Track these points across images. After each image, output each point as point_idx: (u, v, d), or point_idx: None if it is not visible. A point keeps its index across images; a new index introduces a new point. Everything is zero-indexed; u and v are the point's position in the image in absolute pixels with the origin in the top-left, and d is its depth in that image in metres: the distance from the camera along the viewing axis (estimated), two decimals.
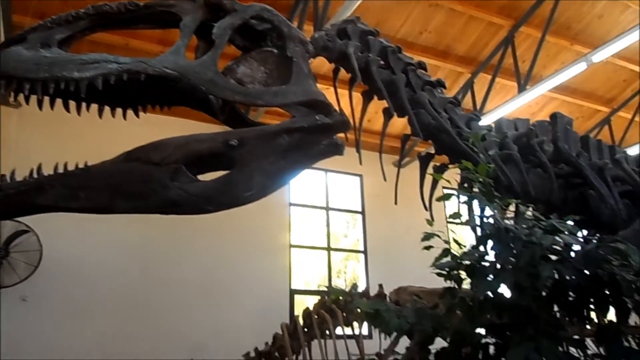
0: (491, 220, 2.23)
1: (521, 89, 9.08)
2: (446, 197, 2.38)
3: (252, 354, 5.83)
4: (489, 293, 2.26)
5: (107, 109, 2.61)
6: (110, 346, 7.68)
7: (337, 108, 3.07)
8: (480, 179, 2.23)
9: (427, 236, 2.70)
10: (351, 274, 11.03)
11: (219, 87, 2.70)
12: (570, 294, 2.15)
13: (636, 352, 1.94)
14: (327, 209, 10.41)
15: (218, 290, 8.90)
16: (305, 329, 5.95)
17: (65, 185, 2.21)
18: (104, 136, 5.86)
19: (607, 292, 1.99)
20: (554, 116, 4.63)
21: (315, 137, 3.06)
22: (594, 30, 9.36)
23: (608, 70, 10.41)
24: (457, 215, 2.53)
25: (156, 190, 2.43)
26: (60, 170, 2.21)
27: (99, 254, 8.22)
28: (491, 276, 2.17)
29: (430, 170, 3.67)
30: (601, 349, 2.06)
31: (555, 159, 4.25)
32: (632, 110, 10.92)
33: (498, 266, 2.20)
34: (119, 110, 2.69)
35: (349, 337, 5.89)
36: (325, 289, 8.04)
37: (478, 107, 9.78)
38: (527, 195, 3.98)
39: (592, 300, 2.07)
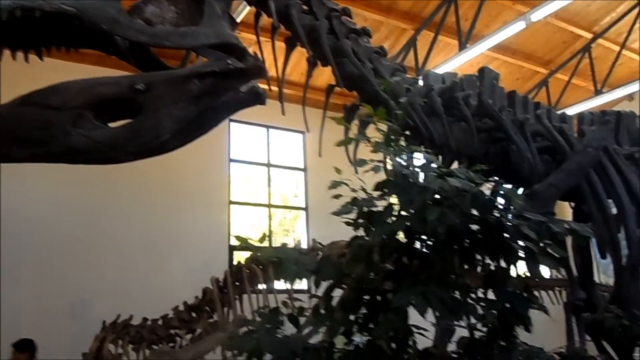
0: (390, 166, 2.18)
1: (462, 47, 9.09)
2: (346, 141, 2.31)
3: (182, 308, 5.77)
4: (388, 239, 2.25)
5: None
6: (45, 304, 7.47)
7: (260, 56, 2.94)
8: (381, 124, 2.17)
9: (334, 184, 2.66)
10: (295, 231, 11.07)
11: (121, 26, 2.53)
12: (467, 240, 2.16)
13: (520, 296, 1.96)
14: (269, 165, 10.30)
15: (156, 246, 8.75)
16: (237, 283, 5.93)
17: None
18: (23, 88, 5.48)
19: (496, 238, 1.99)
20: (481, 71, 4.63)
21: (229, 83, 2.93)
22: None
23: (548, 32, 10.55)
24: (362, 162, 2.48)
25: (56, 137, 2.29)
26: None
27: (31, 210, 7.89)
28: (388, 222, 2.14)
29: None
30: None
31: (478, 113, 4.27)
32: (570, 73, 11.16)
33: (395, 212, 2.17)
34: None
35: (280, 291, 5.89)
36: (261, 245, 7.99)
37: (420, 65, 9.76)
38: (448, 148, 4.00)
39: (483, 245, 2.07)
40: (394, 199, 2.27)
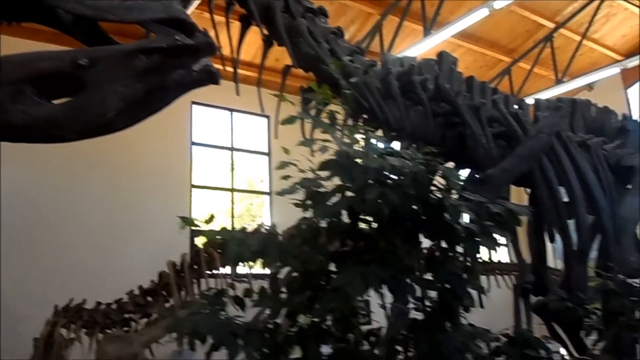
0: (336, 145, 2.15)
1: (427, 32, 9.11)
2: (289, 120, 2.26)
3: (137, 292, 5.67)
4: (335, 220, 2.22)
5: None
6: None
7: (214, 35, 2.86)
8: (323, 103, 2.12)
9: (282, 165, 2.62)
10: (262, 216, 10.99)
11: None
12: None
13: (458, 278, 1.96)
14: (232, 149, 10.17)
15: (115, 230, 8.57)
16: (195, 267, 5.86)
17: None
18: None
19: (437, 218, 1.97)
20: (440, 55, 4.63)
21: (178, 60, 2.84)
22: None
23: (512, 21, 10.66)
24: (309, 142, 2.44)
25: None
26: None
27: None
28: (331, 202, 2.11)
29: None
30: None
31: (435, 97, 4.26)
32: (532, 62, 11.31)
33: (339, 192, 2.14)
34: None
35: (239, 275, 5.84)
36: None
37: (386, 50, 9.73)
38: (404, 131, 3.99)
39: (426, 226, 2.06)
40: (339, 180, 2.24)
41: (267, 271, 2.49)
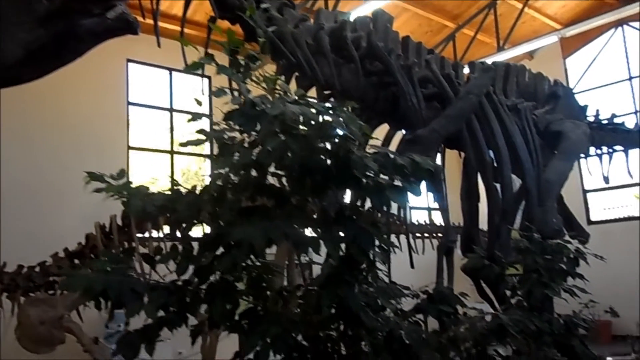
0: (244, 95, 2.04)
1: None
2: (194, 66, 2.14)
3: (62, 255, 5.45)
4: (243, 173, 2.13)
5: None
6: None
7: None
8: (230, 50, 2.00)
9: (194, 117, 2.50)
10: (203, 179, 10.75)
11: None
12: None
13: (365, 232, 1.92)
14: (171, 110, 9.83)
15: (48, 192, 8.19)
16: (126, 229, 5.67)
17: None
18: None
19: (346, 171, 1.92)
20: (375, 13, 4.54)
21: (83, 5, 2.65)
22: None
23: None
24: (220, 92, 2.32)
25: None
26: None
27: None
28: (237, 153, 2.01)
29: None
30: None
31: (368, 55, 4.19)
32: (476, 28, 11.38)
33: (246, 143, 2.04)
34: None
35: (168, 236, 5.68)
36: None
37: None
38: (333, 88, 3.90)
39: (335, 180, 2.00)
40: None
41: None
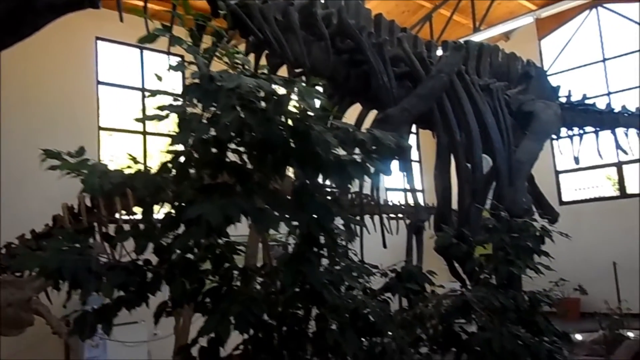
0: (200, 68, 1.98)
1: None
2: (149, 37, 2.06)
3: (29, 236, 5.33)
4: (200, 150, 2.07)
5: None
6: None
7: None
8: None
9: (153, 93, 2.44)
10: None
11: None
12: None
13: (325, 208, 1.89)
14: (143, 90, 9.63)
15: (15, 173, 7.99)
16: (95, 210, 5.56)
17: None
18: None
19: (306, 147, 1.88)
20: None
21: None
22: None
23: None
24: (179, 66, 2.26)
25: None
26: None
27: None
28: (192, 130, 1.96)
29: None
30: None
31: (339, 33, 4.13)
32: (452, 9, 11.35)
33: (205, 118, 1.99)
34: None
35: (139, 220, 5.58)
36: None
37: None
38: (303, 66, 3.84)
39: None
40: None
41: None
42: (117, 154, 9.35)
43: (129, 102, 9.62)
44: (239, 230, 2.23)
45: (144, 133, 9.51)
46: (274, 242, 4.02)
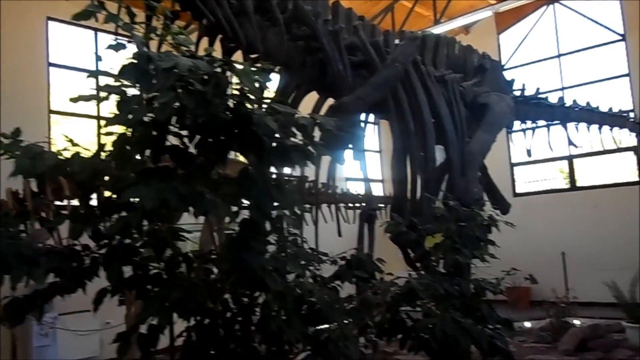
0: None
1: None
2: (84, 14, 1.99)
3: None
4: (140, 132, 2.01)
5: None
6: None
7: None
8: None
9: (92, 74, 2.36)
10: None
11: None
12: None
13: (265, 193, 1.87)
14: (97, 73, 9.29)
15: None
16: (42, 195, 5.37)
17: None
18: None
19: (248, 130, 1.84)
20: None
21: None
22: None
23: None
24: (119, 45, 2.17)
25: None
26: None
27: None
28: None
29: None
30: None
31: (294, 19, 4.09)
32: (414, 0, 11.42)
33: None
34: None
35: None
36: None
37: None
38: (257, 52, 3.79)
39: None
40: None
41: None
42: (73, 138, 9.05)
43: (83, 85, 9.32)
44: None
45: (98, 117, 9.24)
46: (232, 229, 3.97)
